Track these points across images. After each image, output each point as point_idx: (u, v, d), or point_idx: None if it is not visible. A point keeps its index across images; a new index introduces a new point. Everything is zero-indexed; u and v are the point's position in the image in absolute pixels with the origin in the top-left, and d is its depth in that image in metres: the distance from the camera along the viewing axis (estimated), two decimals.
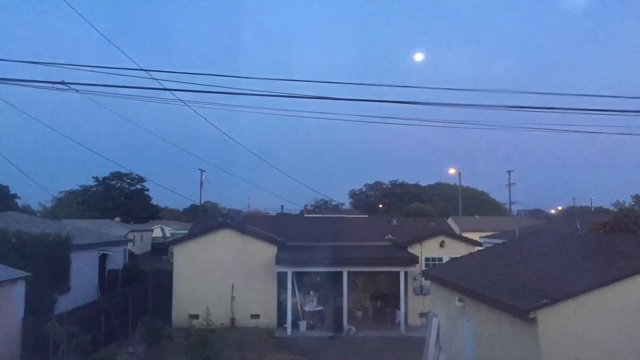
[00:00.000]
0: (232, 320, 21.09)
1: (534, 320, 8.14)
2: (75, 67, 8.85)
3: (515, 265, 12.22)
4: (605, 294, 8.20)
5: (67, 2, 9.20)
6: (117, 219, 58.44)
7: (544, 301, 8.23)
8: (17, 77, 8.30)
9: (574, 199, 66.79)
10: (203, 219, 31.86)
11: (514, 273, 11.35)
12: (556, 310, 8.13)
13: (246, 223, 25.86)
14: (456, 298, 12.06)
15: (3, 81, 8.02)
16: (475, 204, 73.01)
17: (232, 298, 21.31)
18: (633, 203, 37.93)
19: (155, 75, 10.29)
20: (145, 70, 10.67)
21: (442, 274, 14.29)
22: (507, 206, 63.92)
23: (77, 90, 8.98)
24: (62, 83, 8.19)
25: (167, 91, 10.82)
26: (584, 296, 8.20)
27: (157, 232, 66.81)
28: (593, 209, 50.03)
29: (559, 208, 72.21)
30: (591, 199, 56.85)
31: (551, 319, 8.11)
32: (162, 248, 51.60)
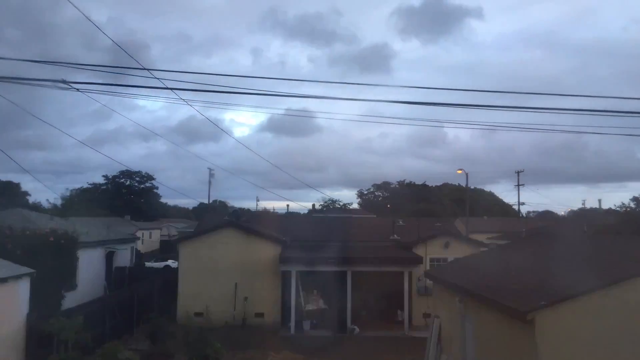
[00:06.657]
0: (236, 318, 21.16)
1: (531, 322, 8.10)
2: (75, 66, 8.95)
3: (516, 267, 12.17)
4: (604, 296, 8.14)
5: (71, 2, 9.29)
6: (126, 217, 58.97)
7: (542, 303, 8.20)
8: (17, 76, 8.41)
9: (584, 200, 66.23)
10: (208, 218, 32.01)
11: (515, 274, 11.31)
12: (554, 312, 8.08)
13: (253, 222, 25.90)
14: (457, 299, 12.03)
15: (4, 80, 8.14)
16: (483, 205, 72.71)
17: (236, 297, 21.38)
18: (634, 206, 37.37)
19: (157, 74, 10.36)
20: (148, 70, 10.76)
21: (443, 275, 14.28)
22: (516, 207, 63.50)
23: (78, 89, 9.08)
24: (63, 82, 8.29)
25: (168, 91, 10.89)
26: (582, 298, 8.15)
27: (165, 230, 67.32)
28: (602, 211, 49.59)
29: (568, 209, 71.64)
30: (599, 200, 56.19)
31: (549, 321, 8.06)
32: (169, 246, 51.94)
